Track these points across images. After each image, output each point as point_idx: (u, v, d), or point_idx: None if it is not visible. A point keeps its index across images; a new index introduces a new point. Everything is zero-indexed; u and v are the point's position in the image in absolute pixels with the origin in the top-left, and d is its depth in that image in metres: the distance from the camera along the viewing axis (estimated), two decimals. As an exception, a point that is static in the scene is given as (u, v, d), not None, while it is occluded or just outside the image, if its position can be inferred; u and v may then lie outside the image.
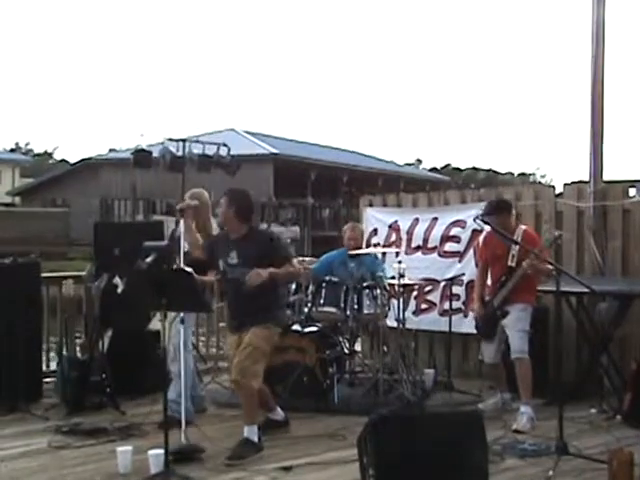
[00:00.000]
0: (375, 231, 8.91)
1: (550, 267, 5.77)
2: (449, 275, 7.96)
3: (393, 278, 7.15)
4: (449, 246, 8.22)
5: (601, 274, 7.14)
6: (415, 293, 8.39)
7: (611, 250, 7.20)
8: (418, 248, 8.46)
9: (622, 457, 4.58)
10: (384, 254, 7.99)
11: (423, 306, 8.43)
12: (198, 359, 7.50)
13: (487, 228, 6.34)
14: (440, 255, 8.29)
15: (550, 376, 6.68)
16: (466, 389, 7.29)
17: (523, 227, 6.41)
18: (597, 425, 6.10)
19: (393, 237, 8.65)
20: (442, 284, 8.12)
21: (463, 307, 7.85)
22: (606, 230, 7.22)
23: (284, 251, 5.62)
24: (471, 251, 7.83)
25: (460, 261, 8.07)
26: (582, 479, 4.81)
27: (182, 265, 5.58)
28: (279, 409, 5.94)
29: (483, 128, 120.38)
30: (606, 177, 7.37)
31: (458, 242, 8.13)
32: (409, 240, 8.51)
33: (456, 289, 7.91)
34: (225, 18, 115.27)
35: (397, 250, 7.44)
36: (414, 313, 8.41)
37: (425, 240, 8.42)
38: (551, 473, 4.80)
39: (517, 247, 6.12)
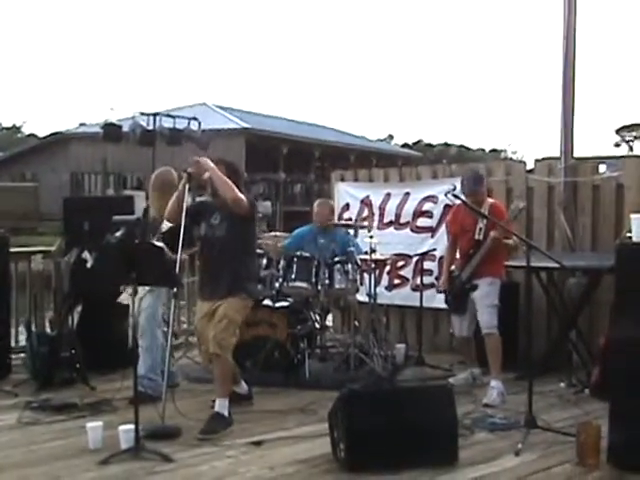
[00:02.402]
0: (347, 206, 8.91)
1: (516, 240, 5.85)
2: (421, 250, 7.98)
3: (366, 253, 7.15)
4: (421, 221, 8.24)
5: (571, 249, 7.19)
6: (388, 268, 8.41)
7: (581, 226, 7.24)
8: (390, 223, 8.48)
9: (590, 430, 4.65)
10: (356, 229, 7.96)
11: (396, 281, 8.45)
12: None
13: (458, 202, 6.35)
14: (412, 230, 8.31)
15: (520, 351, 6.74)
16: (437, 364, 7.34)
17: (491, 201, 6.41)
18: (566, 399, 6.16)
19: (365, 212, 8.65)
20: (414, 259, 8.14)
21: (436, 282, 7.86)
22: (576, 206, 7.26)
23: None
24: (443, 226, 7.81)
25: (432, 236, 8.10)
26: (550, 452, 4.86)
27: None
28: (243, 383, 5.96)
29: (455, 104, 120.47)
30: (577, 154, 7.41)
31: (430, 217, 8.15)
32: (381, 215, 8.52)
33: (428, 264, 7.94)
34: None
35: (368, 227, 7.42)
36: (387, 288, 8.44)
37: (397, 215, 8.43)
38: (520, 446, 4.85)
39: (485, 220, 6.14)
